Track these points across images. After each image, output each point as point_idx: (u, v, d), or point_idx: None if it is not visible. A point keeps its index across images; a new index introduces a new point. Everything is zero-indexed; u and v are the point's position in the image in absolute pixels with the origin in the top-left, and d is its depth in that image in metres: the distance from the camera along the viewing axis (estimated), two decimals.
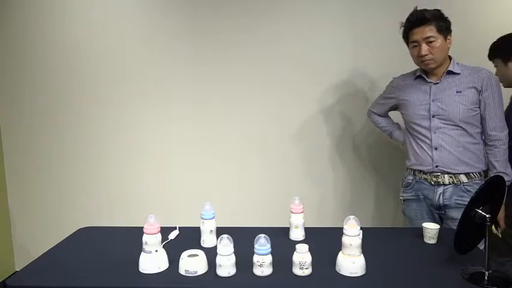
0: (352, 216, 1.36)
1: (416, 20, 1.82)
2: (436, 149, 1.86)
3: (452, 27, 1.87)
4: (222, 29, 2.62)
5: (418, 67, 1.95)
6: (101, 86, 2.73)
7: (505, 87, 2.11)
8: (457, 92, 1.82)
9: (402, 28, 1.92)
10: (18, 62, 2.75)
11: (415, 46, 1.84)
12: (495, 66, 2.08)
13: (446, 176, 1.85)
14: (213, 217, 1.63)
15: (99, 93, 2.74)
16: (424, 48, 1.80)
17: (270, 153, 2.71)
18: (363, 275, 1.34)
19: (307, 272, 1.35)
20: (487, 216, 1.31)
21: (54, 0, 2.67)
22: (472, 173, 1.84)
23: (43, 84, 2.76)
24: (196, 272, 1.36)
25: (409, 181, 1.98)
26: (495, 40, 2.07)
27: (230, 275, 1.35)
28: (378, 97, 2.22)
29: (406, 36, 1.91)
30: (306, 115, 2.66)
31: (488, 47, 2.09)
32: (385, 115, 2.21)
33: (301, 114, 2.66)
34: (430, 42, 1.79)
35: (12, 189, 2.90)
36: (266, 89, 2.64)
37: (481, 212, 1.32)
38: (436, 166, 1.86)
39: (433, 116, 1.85)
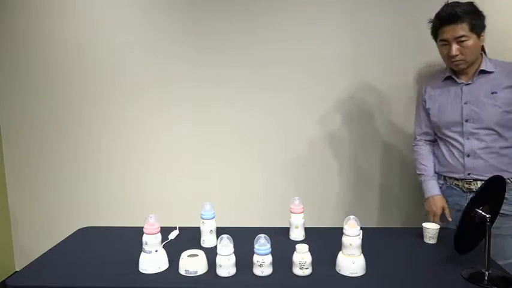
0: (352, 216, 1.37)
1: (447, 16, 1.64)
2: (468, 156, 1.72)
3: None
4: (223, 29, 2.62)
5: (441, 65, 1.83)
6: (101, 86, 2.73)
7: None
8: (491, 92, 1.66)
9: (431, 24, 1.75)
10: (18, 62, 2.75)
11: (445, 45, 1.68)
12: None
13: (479, 183, 1.72)
14: (213, 217, 1.63)
15: (99, 93, 2.74)
16: (455, 48, 1.64)
17: (270, 153, 2.71)
18: (363, 275, 1.34)
19: (307, 272, 1.35)
20: (487, 216, 1.31)
21: (54, 0, 2.68)
22: (508, 178, 1.69)
23: (43, 84, 2.76)
24: (196, 272, 1.36)
25: (439, 186, 1.86)
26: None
27: (230, 275, 1.35)
28: (415, 117, 2.00)
29: (435, 33, 1.73)
30: (306, 115, 2.66)
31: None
32: (431, 134, 1.93)
33: (302, 114, 2.66)
34: (462, 41, 1.63)
35: (12, 189, 2.90)
36: (266, 89, 2.64)
37: (481, 212, 1.32)
38: (469, 174, 1.73)
39: (466, 121, 1.71)
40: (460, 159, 1.74)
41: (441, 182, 1.86)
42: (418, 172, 1.93)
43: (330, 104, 2.65)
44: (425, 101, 1.88)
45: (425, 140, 1.95)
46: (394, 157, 2.67)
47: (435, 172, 1.89)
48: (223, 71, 2.66)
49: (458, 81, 1.75)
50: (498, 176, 1.41)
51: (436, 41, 1.76)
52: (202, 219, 1.61)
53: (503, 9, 2.35)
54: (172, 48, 2.65)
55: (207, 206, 1.62)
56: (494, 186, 1.38)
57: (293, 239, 1.67)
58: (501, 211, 1.50)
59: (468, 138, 1.72)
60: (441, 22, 1.67)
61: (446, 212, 1.79)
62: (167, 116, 2.72)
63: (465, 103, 1.71)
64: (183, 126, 2.73)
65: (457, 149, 1.75)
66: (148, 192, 2.80)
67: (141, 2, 2.65)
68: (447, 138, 1.79)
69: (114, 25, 2.67)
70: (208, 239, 1.61)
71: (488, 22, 1.70)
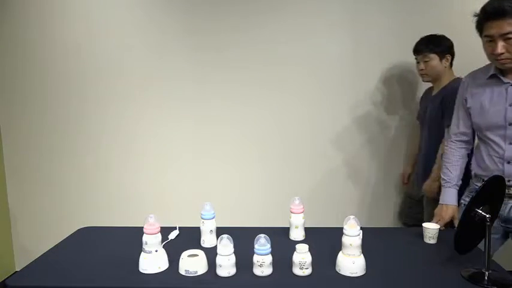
0: (352, 216, 1.36)
1: (493, 11, 1.51)
2: (508, 162, 1.59)
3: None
4: (223, 29, 2.62)
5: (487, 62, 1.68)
6: (101, 86, 2.73)
7: (424, 81, 2.32)
8: None
9: (476, 18, 1.62)
10: (19, 62, 2.75)
11: (490, 41, 1.56)
12: (424, 61, 2.22)
13: None
14: (213, 217, 1.62)
15: (99, 93, 2.74)
16: (500, 45, 1.52)
17: (270, 153, 2.71)
18: (363, 275, 1.34)
19: (307, 272, 1.34)
20: (487, 216, 1.31)
21: (54, 0, 2.67)
22: None
23: (43, 84, 2.76)
24: (196, 272, 1.36)
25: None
26: (428, 35, 2.24)
27: (230, 275, 1.35)
28: (453, 115, 1.84)
29: (480, 28, 1.60)
30: (306, 115, 2.66)
31: None
32: (468, 138, 1.80)
33: (302, 114, 2.66)
34: (509, 38, 1.50)
35: (12, 189, 2.90)
36: (266, 89, 2.64)
37: (481, 212, 1.32)
38: (509, 181, 1.60)
39: (510, 124, 1.57)
40: (500, 165, 1.62)
41: (479, 184, 1.70)
42: (442, 176, 1.81)
43: (330, 104, 2.65)
44: (466, 100, 1.73)
45: (461, 141, 1.81)
46: (394, 157, 2.67)
47: (459, 179, 1.79)
48: (223, 71, 2.66)
49: (504, 80, 1.61)
50: (498, 176, 1.41)
51: (480, 36, 1.62)
52: (202, 219, 1.61)
53: None
54: (172, 48, 2.65)
55: (207, 206, 1.62)
56: (494, 186, 1.38)
57: (293, 239, 1.66)
58: None
59: (511, 143, 1.58)
60: (487, 17, 1.54)
61: (455, 221, 1.74)
62: (167, 116, 2.73)
63: (510, 105, 1.58)
64: (183, 126, 2.73)
65: (497, 153, 1.63)
66: (148, 192, 2.80)
67: (141, 2, 2.64)
68: (488, 141, 1.66)
69: (114, 25, 2.67)
70: (208, 239, 1.61)
71: None
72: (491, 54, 1.57)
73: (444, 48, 2.23)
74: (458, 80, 2.09)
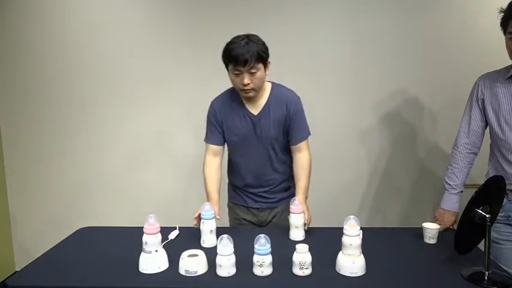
0: (352, 216, 1.36)
1: None
2: None
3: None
4: (223, 30, 2.60)
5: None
6: (101, 86, 2.73)
7: None
8: None
9: (501, 14, 1.55)
10: (19, 62, 2.75)
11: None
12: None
13: None
14: (213, 217, 1.62)
15: (99, 93, 2.74)
16: None
17: None
18: (363, 275, 1.34)
19: (307, 272, 1.34)
20: (487, 216, 1.31)
21: (54, 0, 2.67)
22: None
23: (43, 85, 2.76)
24: (196, 272, 1.36)
25: None
26: None
27: (230, 275, 1.35)
28: (462, 120, 1.77)
29: (505, 25, 1.54)
30: (306, 116, 2.66)
31: None
32: (478, 141, 1.73)
33: None
34: None
35: (12, 189, 2.90)
36: None
37: (481, 212, 1.32)
38: None
39: None
40: None
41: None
42: (446, 180, 1.76)
43: (329, 105, 2.65)
44: (482, 100, 1.67)
45: (470, 146, 1.73)
46: (396, 156, 2.67)
47: (463, 185, 1.74)
48: (223, 72, 2.66)
49: None
50: (498, 176, 1.41)
51: (504, 33, 1.56)
52: (203, 219, 1.61)
53: None
54: (172, 49, 2.65)
55: (207, 206, 1.62)
56: (494, 186, 1.38)
57: (293, 239, 1.66)
58: None
59: None
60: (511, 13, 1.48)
61: (454, 225, 1.72)
62: (167, 115, 2.72)
63: None
64: (183, 126, 2.73)
65: None
66: (148, 192, 2.80)
67: (141, 2, 2.64)
68: (503, 143, 1.59)
69: (114, 25, 2.67)
70: (208, 239, 1.61)
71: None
72: None
73: None
74: None
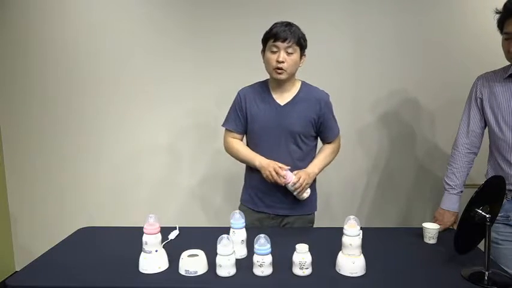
0: (352, 216, 1.36)
1: None
2: None
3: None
4: (223, 30, 2.61)
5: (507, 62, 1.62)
6: (101, 86, 2.73)
7: None
8: None
9: (497, 15, 1.56)
10: (19, 62, 2.75)
11: (508, 39, 1.51)
12: None
13: None
14: (243, 226, 1.50)
15: (100, 93, 2.74)
16: None
17: None
18: (363, 275, 1.34)
19: (307, 272, 1.34)
20: (487, 216, 1.31)
21: (54, 0, 2.67)
22: None
23: (43, 85, 2.76)
24: (196, 272, 1.36)
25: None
26: None
27: (230, 275, 1.35)
28: (461, 121, 1.78)
29: (501, 25, 1.54)
30: None
31: None
32: (477, 141, 1.73)
33: None
34: None
35: (12, 189, 2.90)
36: None
37: (481, 212, 1.32)
38: None
39: None
40: None
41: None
42: (446, 180, 1.76)
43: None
44: (481, 99, 1.67)
45: (470, 146, 1.74)
46: (396, 156, 2.67)
47: (463, 185, 1.75)
48: (223, 72, 2.66)
49: None
50: (498, 176, 1.41)
51: (501, 33, 1.57)
52: (232, 228, 1.50)
53: None
54: (172, 49, 2.65)
55: (236, 215, 1.50)
56: (494, 186, 1.38)
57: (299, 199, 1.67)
58: None
59: None
60: (508, 13, 1.49)
61: (454, 225, 1.73)
62: (167, 116, 2.72)
63: None
64: (184, 126, 2.72)
65: None
66: (148, 192, 2.80)
67: (141, 2, 2.64)
68: (502, 143, 1.60)
69: (114, 25, 2.67)
70: (238, 249, 1.47)
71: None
72: (509, 53, 1.53)
73: None
74: None
